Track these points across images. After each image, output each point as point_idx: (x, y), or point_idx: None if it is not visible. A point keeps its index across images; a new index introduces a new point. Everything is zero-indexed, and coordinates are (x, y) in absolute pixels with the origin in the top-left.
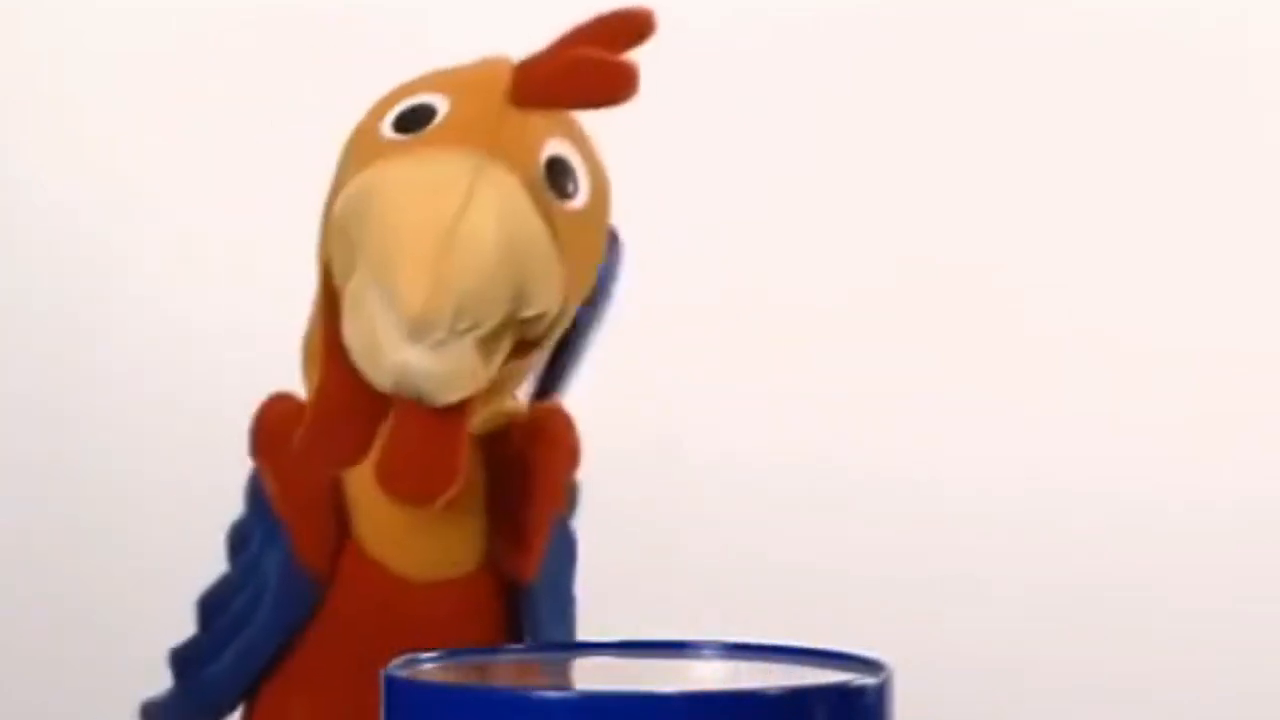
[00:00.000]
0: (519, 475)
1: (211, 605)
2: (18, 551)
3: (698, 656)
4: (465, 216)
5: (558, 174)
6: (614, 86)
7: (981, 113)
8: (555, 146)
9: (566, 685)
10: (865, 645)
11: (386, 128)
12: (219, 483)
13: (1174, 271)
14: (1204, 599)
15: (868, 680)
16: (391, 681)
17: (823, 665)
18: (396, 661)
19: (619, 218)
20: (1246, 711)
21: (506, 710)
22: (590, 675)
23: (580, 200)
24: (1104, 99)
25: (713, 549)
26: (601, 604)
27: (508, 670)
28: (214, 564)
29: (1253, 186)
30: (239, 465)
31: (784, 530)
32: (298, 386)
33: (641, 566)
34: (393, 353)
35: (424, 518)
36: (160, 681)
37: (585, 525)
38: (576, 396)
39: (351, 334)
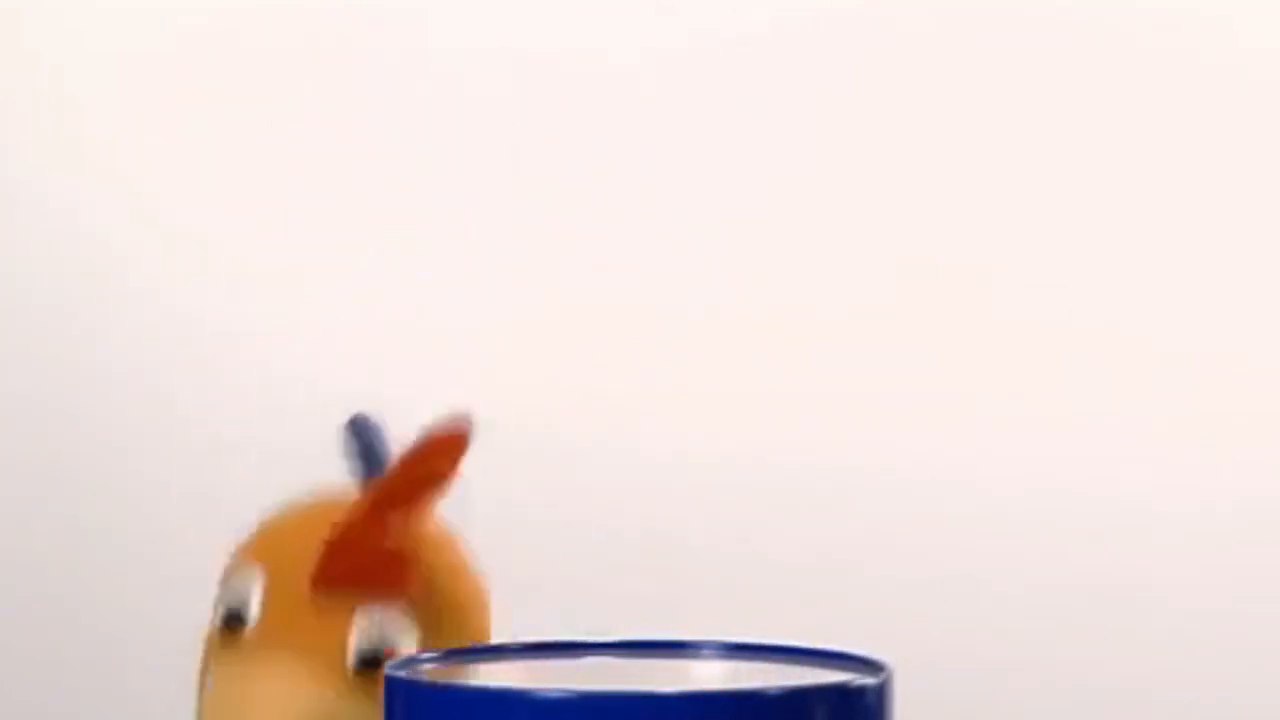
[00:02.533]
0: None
1: None
2: (17, 551)
3: (698, 656)
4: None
5: (369, 658)
6: (390, 579)
7: (980, 115)
8: (366, 634)
9: (566, 685)
10: (865, 645)
11: (217, 619)
12: (219, 481)
13: (1173, 272)
14: (1204, 599)
15: (868, 680)
16: (392, 681)
17: (823, 665)
18: (396, 661)
19: (621, 220)
20: (1246, 711)
21: (506, 710)
22: (590, 675)
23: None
24: (1101, 101)
25: (713, 549)
26: (601, 604)
27: (508, 670)
28: (215, 562)
29: (1252, 186)
30: (239, 464)
31: (784, 530)
32: (294, 386)
33: (641, 566)
34: None
35: None
36: (160, 680)
37: (586, 525)
38: (577, 397)
39: None
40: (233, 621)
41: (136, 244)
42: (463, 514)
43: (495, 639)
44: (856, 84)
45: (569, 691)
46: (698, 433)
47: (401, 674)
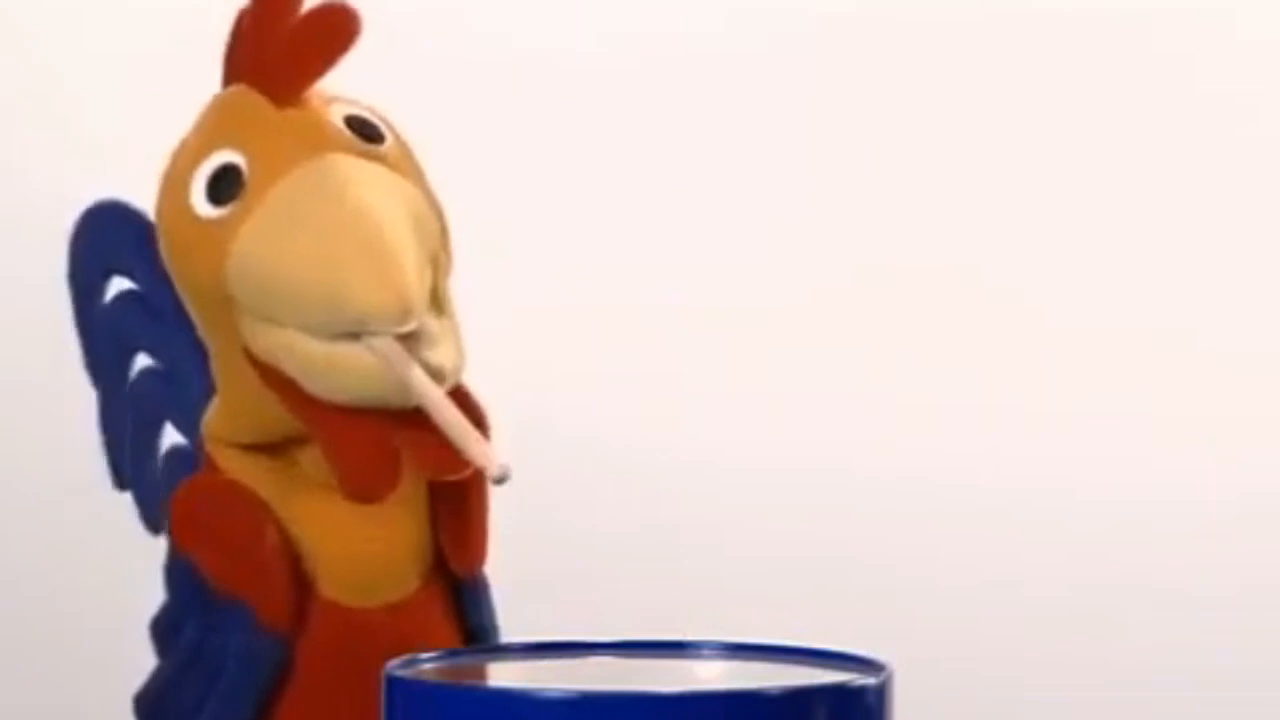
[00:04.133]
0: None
1: (155, 705)
2: (18, 550)
3: (698, 656)
4: (355, 207)
5: (361, 126)
6: (344, 27)
7: (975, 116)
8: (343, 109)
9: (566, 685)
10: (865, 645)
11: (202, 205)
12: None
13: (1172, 272)
14: (1204, 599)
15: (868, 680)
16: (392, 681)
17: (823, 665)
18: (396, 661)
19: (619, 222)
20: (1246, 711)
21: (506, 710)
22: (590, 675)
23: (390, 140)
24: (1095, 101)
25: (713, 549)
26: (601, 604)
27: (508, 670)
28: None
29: (1252, 186)
30: None
31: (784, 530)
32: None
33: (641, 567)
34: (400, 363)
35: (375, 539)
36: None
37: (586, 525)
38: (577, 397)
39: (337, 382)
40: (218, 192)
41: None
42: None
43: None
44: (858, 84)
45: (569, 691)
46: (698, 432)
47: (402, 674)
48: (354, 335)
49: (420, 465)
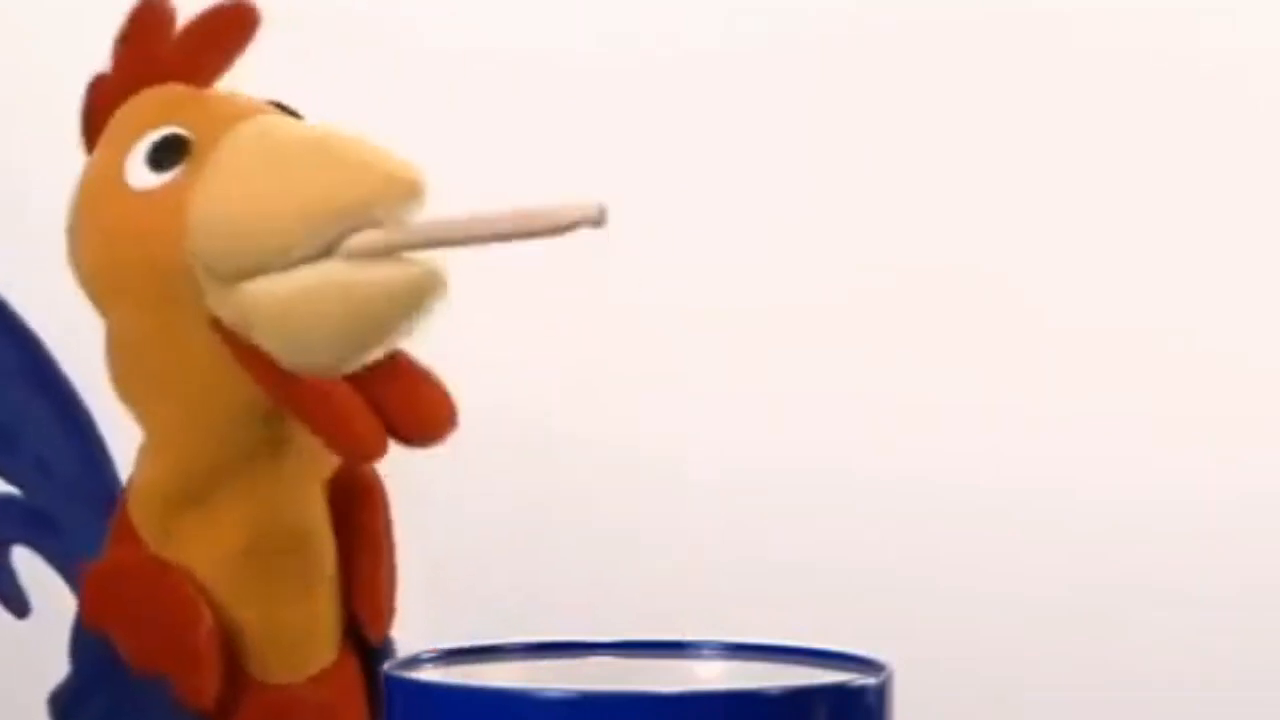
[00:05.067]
0: (351, 535)
1: None
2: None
3: (698, 656)
4: (316, 132)
5: (285, 109)
6: (246, 18)
7: (975, 116)
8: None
9: (566, 685)
10: (865, 645)
11: (142, 178)
12: None
13: (1172, 272)
14: (1205, 599)
15: (868, 680)
16: (391, 681)
17: (823, 665)
18: (396, 662)
19: (617, 222)
20: (1247, 711)
21: (506, 710)
22: (590, 675)
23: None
24: (1094, 102)
25: (713, 549)
26: (602, 604)
27: (508, 670)
28: None
29: (1251, 186)
30: None
31: (783, 530)
32: None
33: (641, 567)
34: (401, 232)
35: (301, 614)
36: None
37: (586, 525)
38: (577, 397)
39: (316, 323)
40: (170, 154)
41: None
42: (461, 514)
43: (495, 639)
44: (859, 85)
45: (569, 691)
46: (698, 432)
47: (401, 674)
48: (331, 252)
49: (402, 419)
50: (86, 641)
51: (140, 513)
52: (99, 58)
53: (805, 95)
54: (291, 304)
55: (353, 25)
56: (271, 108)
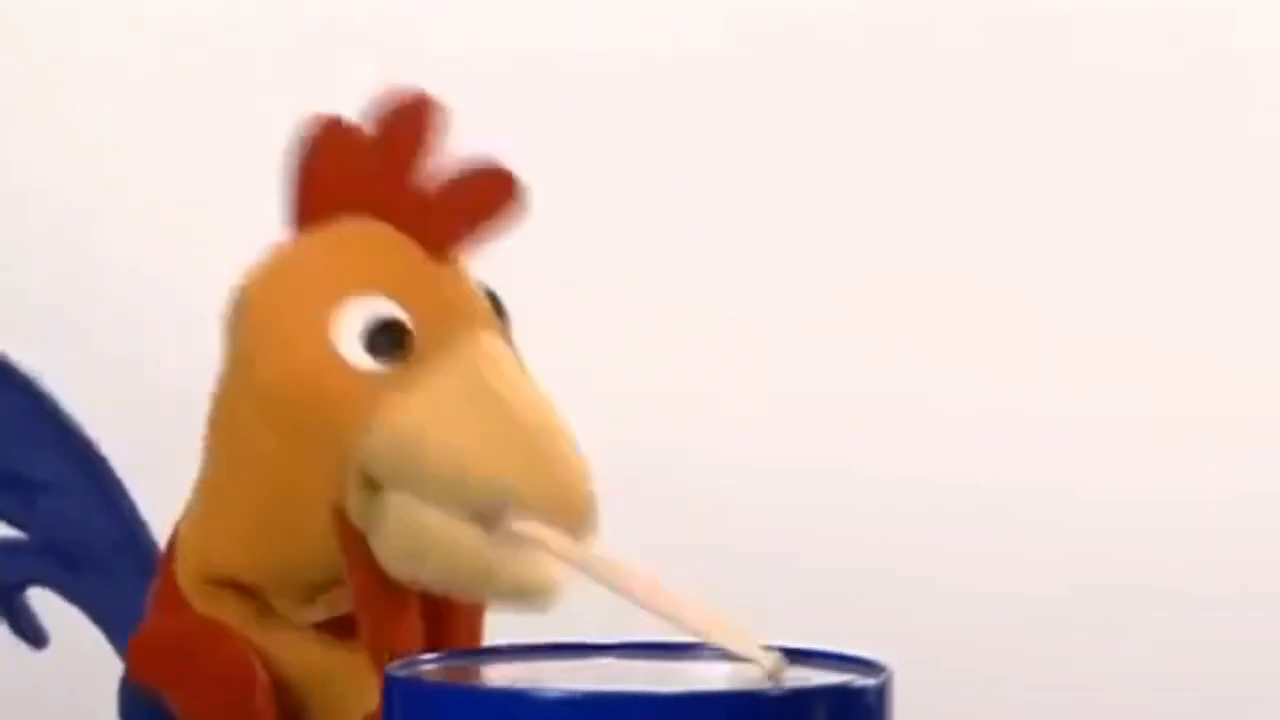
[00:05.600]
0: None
1: None
2: None
3: (698, 657)
4: (524, 402)
5: (493, 300)
6: (508, 193)
7: (976, 117)
8: (474, 277)
9: (567, 685)
10: (865, 645)
11: (355, 353)
12: None
13: (1172, 273)
14: (1204, 600)
15: (868, 680)
16: (392, 681)
17: (823, 665)
18: (396, 662)
19: (620, 223)
20: (1247, 711)
21: (506, 710)
22: (590, 675)
23: (508, 317)
24: (1094, 103)
25: (713, 549)
26: (602, 604)
27: (507, 670)
28: None
29: (1251, 187)
30: None
31: (784, 530)
32: None
33: (641, 566)
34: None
35: (354, 678)
36: None
37: None
38: (577, 397)
39: (439, 560)
40: (388, 341)
41: (131, 240)
42: None
43: (495, 639)
44: (860, 86)
45: (569, 691)
46: (698, 432)
47: (402, 674)
48: (488, 520)
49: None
50: (137, 702)
51: (191, 579)
52: (99, 57)
53: (807, 96)
54: (422, 544)
55: (354, 26)
56: (486, 306)
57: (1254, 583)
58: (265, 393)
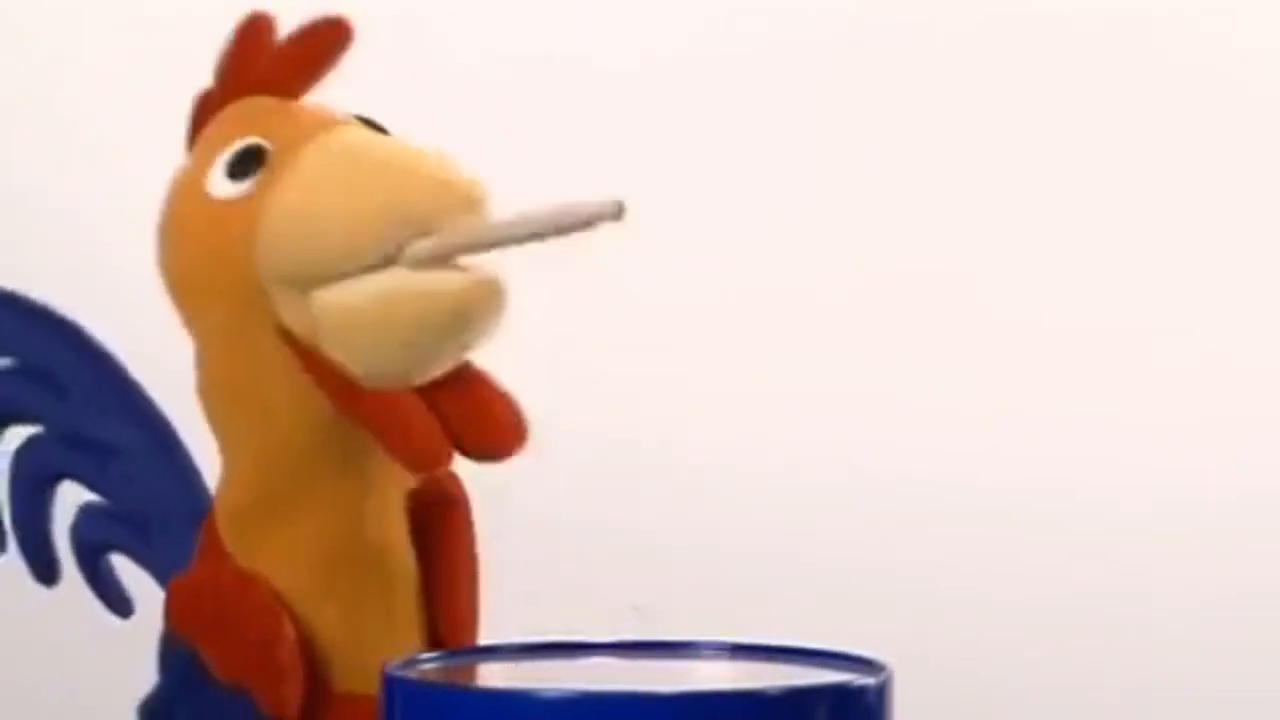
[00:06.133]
0: (433, 546)
1: None
2: None
3: (698, 656)
4: (387, 146)
5: (371, 123)
6: (338, 34)
7: (977, 119)
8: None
9: (566, 685)
10: (865, 645)
11: (221, 187)
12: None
13: (1172, 274)
14: (1204, 600)
15: (868, 680)
16: (392, 681)
17: (823, 665)
18: (397, 662)
19: (624, 223)
20: (1247, 711)
21: (506, 710)
22: (590, 675)
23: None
24: (1094, 103)
25: (713, 549)
26: (602, 604)
27: (507, 670)
28: None
29: (1250, 187)
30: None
31: (784, 531)
32: None
33: (642, 566)
34: (457, 234)
35: (387, 627)
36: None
37: (586, 525)
38: (578, 397)
39: (387, 332)
40: (247, 164)
41: (131, 241)
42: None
43: (495, 639)
44: (860, 88)
45: (569, 691)
46: (698, 433)
47: (402, 674)
48: (394, 259)
49: (468, 433)
50: (174, 652)
51: (226, 526)
52: (99, 57)
53: (809, 97)
54: (357, 311)
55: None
56: (354, 121)
57: (1254, 583)
58: (179, 279)
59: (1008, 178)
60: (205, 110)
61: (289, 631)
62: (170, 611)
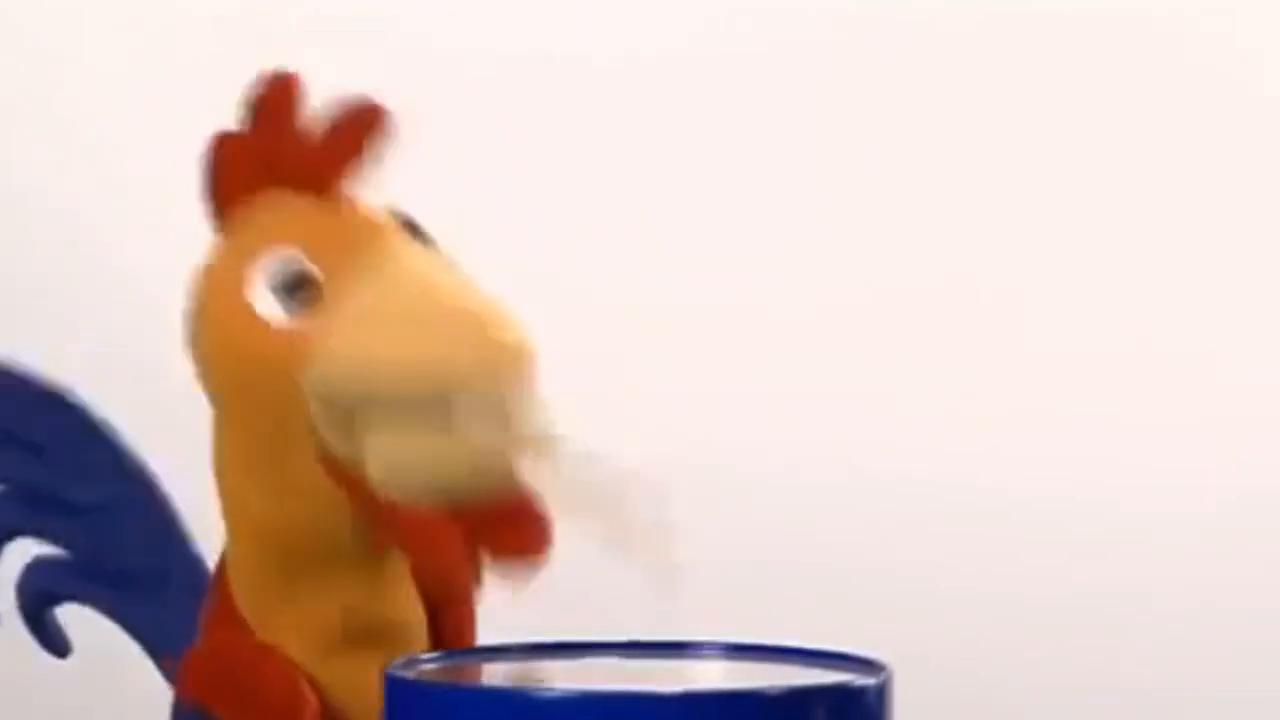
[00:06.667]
0: (443, 626)
1: None
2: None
3: (698, 656)
4: (438, 287)
5: (406, 223)
6: (377, 123)
7: (979, 123)
8: (383, 206)
9: (566, 685)
10: (865, 645)
11: (271, 311)
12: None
13: (1171, 276)
14: (1203, 600)
15: (867, 680)
16: (393, 681)
17: (823, 665)
18: (397, 662)
19: (624, 225)
20: (1246, 711)
21: (506, 710)
22: (590, 675)
23: (431, 239)
24: (1094, 106)
25: (713, 549)
26: (602, 604)
27: (508, 670)
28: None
29: (1249, 189)
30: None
31: (784, 531)
32: None
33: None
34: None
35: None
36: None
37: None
38: (579, 397)
39: (423, 475)
40: (296, 291)
41: (128, 240)
42: None
43: (495, 639)
44: (863, 87)
45: (569, 691)
46: (699, 433)
47: (402, 674)
48: (448, 422)
49: (494, 551)
50: (186, 717)
51: (244, 596)
52: (99, 57)
53: (809, 97)
54: (409, 469)
55: (354, 26)
56: (393, 223)
57: (1254, 583)
58: (220, 379)
59: (1008, 178)
60: (226, 162)
61: (312, 703)
62: (187, 679)
